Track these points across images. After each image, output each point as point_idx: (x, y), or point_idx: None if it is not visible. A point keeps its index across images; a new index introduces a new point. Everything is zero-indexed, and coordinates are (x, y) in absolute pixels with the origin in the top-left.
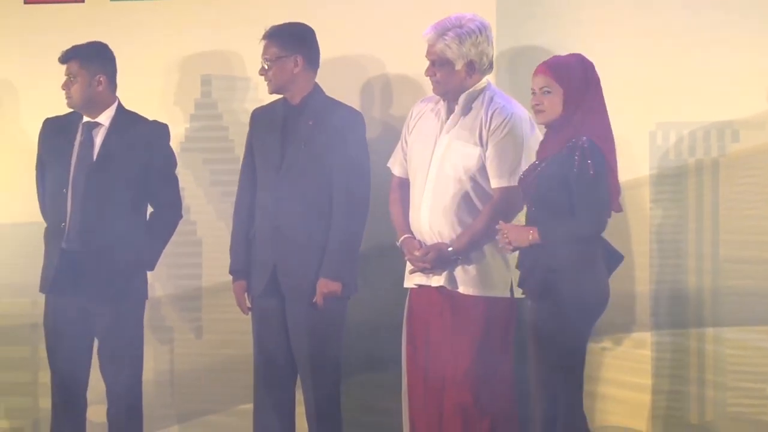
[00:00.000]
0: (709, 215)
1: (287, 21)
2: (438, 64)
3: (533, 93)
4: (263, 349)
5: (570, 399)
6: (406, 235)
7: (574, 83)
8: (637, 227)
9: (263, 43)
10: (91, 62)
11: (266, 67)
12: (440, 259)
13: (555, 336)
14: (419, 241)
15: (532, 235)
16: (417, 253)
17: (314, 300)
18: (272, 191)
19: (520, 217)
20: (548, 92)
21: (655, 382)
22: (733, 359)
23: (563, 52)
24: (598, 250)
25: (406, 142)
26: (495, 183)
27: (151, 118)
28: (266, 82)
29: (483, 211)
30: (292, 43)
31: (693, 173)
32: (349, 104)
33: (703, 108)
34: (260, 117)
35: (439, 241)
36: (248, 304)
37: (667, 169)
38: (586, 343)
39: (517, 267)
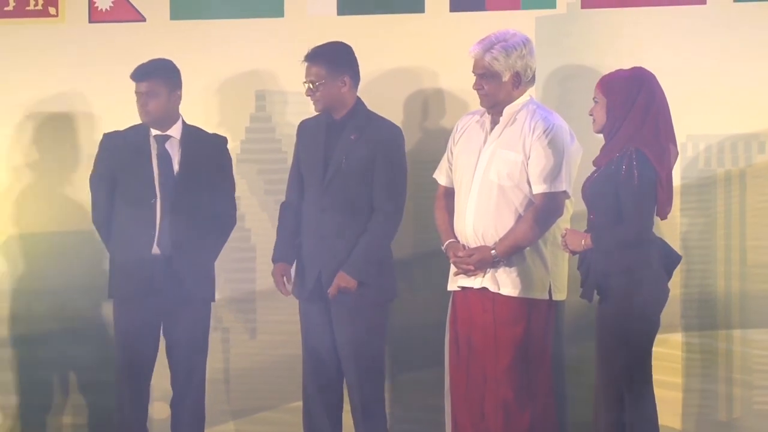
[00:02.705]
0: (736, 223)
1: (340, 39)
2: (486, 77)
3: None
4: (311, 351)
5: (638, 401)
6: (450, 240)
7: (617, 95)
8: (668, 234)
9: (305, 64)
10: (171, 78)
11: (312, 87)
12: (484, 260)
13: (614, 337)
14: (463, 244)
15: (585, 241)
16: (461, 254)
17: (328, 291)
18: (316, 202)
19: (560, 222)
20: (596, 102)
21: (685, 381)
22: (759, 359)
23: (600, 69)
24: (653, 252)
25: (451, 153)
26: (536, 189)
27: (209, 131)
28: (313, 102)
29: (525, 216)
30: (340, 63)
31: (721, 183)
32: (396, 116)
33: (730, 121)
34: (306, 129)
35: (483, 244)
36: (288, 288)
37: (697, 179)
38: (648, 343)
39: (578, 270)
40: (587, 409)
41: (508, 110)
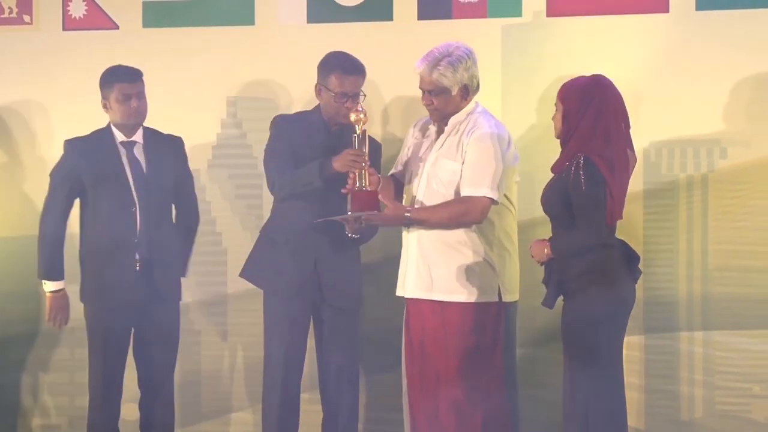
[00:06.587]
0: (698, 227)
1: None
2: (435, 93)
3: None
4: (288, 353)
5: (595, 403)
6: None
7: (571, 102)
8: (631, 238)
9: (352, 76)
10: (142, 82)
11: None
12: (396, 217)
13: (571, 342)
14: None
15: (546, 250)
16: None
17: None
18: None
19: (507, 228)
20: (556, 108)
21: (648, 382)
22: (720, 360)
23: (566, 76)
24: (611, 257)
25: (402, 161)
26: (465, 192)
27: (179, 135)
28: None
29: (450, 203)
30: None
31: (684, 188)
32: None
33: (693, 127)
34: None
35: (426, 260)
36: None
37: (660, 184)
38: (607, 348)
39: (542, 282)
40: (540, 408)
41: (453, 120)
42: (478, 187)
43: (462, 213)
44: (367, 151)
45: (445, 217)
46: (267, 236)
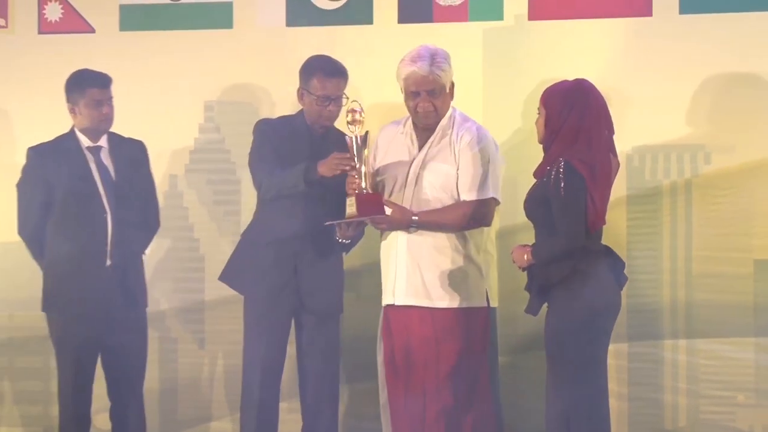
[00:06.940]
0: (682, 233)
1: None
2: (435, 92)
3: None
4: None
5: (578, 411)
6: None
7: (553, 108)
8: (614, 244)
9: (333, 79)
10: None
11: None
12: (402, 220)
13: (554, 349)
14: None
15: (527, 256)
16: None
17: None
18: None
19: (491, 233)
20: (539, 113)
21: (632, 391)
22: (705, 369)
23: (548, 80)
24: (595, 262)
25: (373, 168)
26: (465, 197)
27: (140, 140)
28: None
29: (459, 204)
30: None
31: (667, 194)
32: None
33: (676, 132)
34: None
35: (417, 266)
36: None
37: (643, 189)
38: (591, 355)
39: (525, 289)
40: (523, 416)
41: (440, 123)
42: (481, 190)
43: (470, 216)
44: (367, 153)
45: (454, 220)
46: (248, 240)
